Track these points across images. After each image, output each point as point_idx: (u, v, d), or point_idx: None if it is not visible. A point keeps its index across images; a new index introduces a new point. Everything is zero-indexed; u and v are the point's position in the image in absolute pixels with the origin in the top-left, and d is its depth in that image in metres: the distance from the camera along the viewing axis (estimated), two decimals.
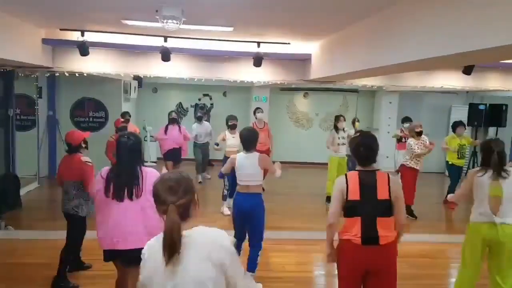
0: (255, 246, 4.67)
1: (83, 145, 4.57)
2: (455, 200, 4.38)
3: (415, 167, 7.28)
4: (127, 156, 3.37)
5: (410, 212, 7.31)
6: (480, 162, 4.07)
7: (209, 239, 1.89)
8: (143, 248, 1.98)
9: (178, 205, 1.85)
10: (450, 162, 8.11)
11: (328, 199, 8.06)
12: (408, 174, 7.28)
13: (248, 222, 4.67)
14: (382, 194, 3.07)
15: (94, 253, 4.34)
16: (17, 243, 5.76)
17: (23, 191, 7.84)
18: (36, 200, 8.06)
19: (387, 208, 3.08)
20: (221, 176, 6.69)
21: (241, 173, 4.64)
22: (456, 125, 8.13)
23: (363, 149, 3.16)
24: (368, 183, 3.10)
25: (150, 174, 3.35)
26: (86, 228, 4.64)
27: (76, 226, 4.57)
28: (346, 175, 3.21)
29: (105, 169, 3.44)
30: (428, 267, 5.54)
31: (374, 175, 3.13)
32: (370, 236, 3.06)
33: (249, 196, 4.61)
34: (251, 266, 4.64)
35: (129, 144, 3.39)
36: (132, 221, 3.31)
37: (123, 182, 3.32)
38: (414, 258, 5.65)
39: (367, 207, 3.08)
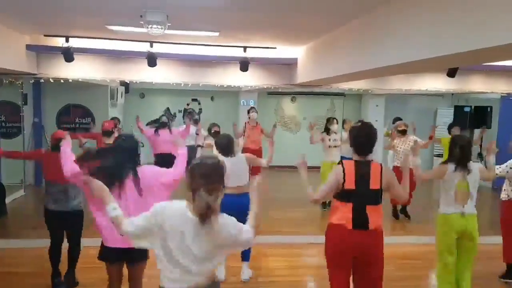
0: None
1: None
2: (418, 177, 4.33)
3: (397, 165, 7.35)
4: (122, 155, 3.44)
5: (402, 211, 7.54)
6: (448, 156, 4.28)
7: (229, 220, 2.31)
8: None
9: (209, 188, 2.21)
10: None
11: (323, 204, 8.03)
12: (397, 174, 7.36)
13: (241, 219, 4.76)
14: (374, 184, 3.25)
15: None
16: (3, 252, 5.67)
17: (8, 199, 7.74)
18: (22, 208, 7.95)
19: (376, 197, 3.28)
20: None
21: (229, 175, 4.68)
22: (451, 126, 8.27)
23: (362, 138, 3.32)
24: (362, 173, 3.27)
25: (145, 173, 3.44)
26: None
27: (80, 221, 4.58)
28: (342, 164, 3.35)
29: None
30: (416, 268, 5.57)
31: (368, 165, 3.29)
32: (360, 221, 3.24)
33: (240, 196, 4.66)
34: (247, 256, 4.96)
35: (124, 145, 3.50)
36: None
37: (116, 179, 3.38)
38: (402, 260, 5.69)
39: (359, 195, 3.25)
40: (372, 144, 3.32)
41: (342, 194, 3.31)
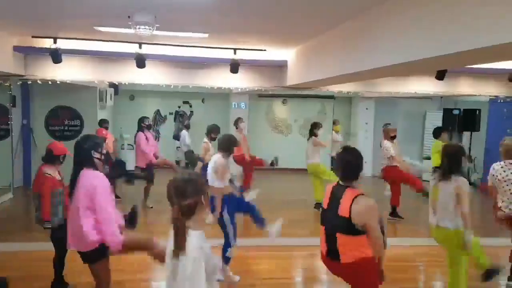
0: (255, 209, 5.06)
1: (61, 159, 4.45)
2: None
3: (396, 164, 7.36)
4: (76, 158, 3.53)
5: (395, 214, 7.50)
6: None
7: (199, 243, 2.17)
8: (88, 251, 2.39)
9: (182, 205, 2.15)
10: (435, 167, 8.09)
11: (316, 206, 8.04)
12: (391, 172, 7.40)
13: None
14: (342, 211, 3.03)
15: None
16: None
17: None
18: (11, 211, 7.85)
19: (347, 226, 3.01)
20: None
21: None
22: (441, 131, 8.08)
23: (338, 165, 3.24)
24: (336, 195, 3.16)
25: (86, 177, 3.40)
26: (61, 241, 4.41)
27: (51, 237, 4.41)
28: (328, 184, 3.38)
29: None
30: (408, 271, 5.54)
31: (343, 190, 3.11)
32: (331, 249, 3.12)
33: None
34: (262, 222, 5.04)
35: (77, 145, 3.52)
36: (73, 223, 3.44)
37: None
38: (394, 262, 5.66)
39: (329, 218, 3.17)
40: (348, 173, 3.14)
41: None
